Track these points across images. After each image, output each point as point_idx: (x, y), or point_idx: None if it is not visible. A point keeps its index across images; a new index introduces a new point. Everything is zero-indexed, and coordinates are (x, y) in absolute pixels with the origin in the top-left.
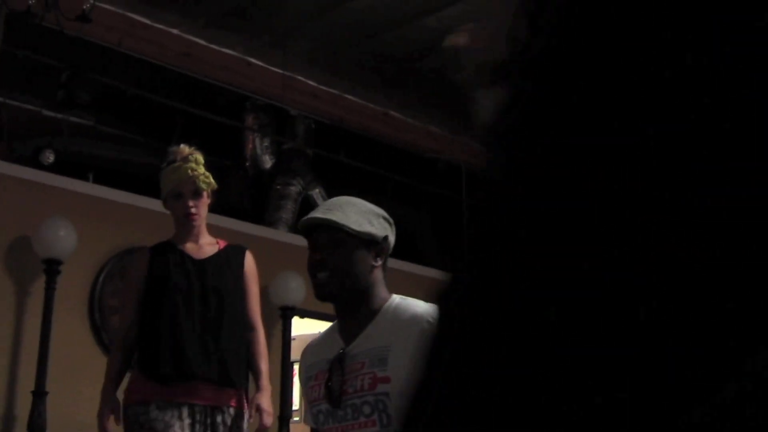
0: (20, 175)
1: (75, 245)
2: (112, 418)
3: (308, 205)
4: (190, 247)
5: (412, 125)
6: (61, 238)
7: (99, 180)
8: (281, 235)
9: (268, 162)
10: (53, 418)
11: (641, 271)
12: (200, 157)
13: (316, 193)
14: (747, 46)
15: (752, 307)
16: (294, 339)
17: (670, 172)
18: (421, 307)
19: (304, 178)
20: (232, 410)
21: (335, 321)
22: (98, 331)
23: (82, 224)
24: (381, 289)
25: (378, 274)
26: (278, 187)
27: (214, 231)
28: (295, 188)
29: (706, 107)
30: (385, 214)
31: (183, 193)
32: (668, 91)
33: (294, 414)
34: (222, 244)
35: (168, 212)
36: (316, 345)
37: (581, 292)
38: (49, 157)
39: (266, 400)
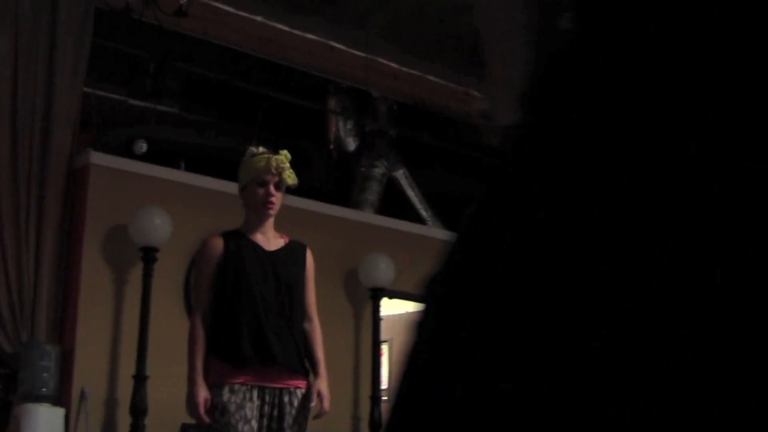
0: (114, 165)
1: (170, 232)
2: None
3: (393, 186)
4: (260, 238)
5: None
6: (157, 226)
7: (190, 167)
8: (368, 216)
9: (351, 144)
10: (154, 402)
11: (641, 270)
12: (289, 155)
13: (400, 174)
14: (746, 46)
15: (750, 307)
16: (382, 320)
17: (670, 172)
18: None
19: (388, 160)
20: (299, 392)
21: None
22: None
23: (176, 212)
24: None
25: None
26: (363, 169)
27: (301, 214)
28: (379, 170)
29: (706, 108)
30: None
31: (268, 180)
32: (667, 93)
33: (383, 393)
34: (286, 239)
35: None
36: None
37: (582, 291)
38: (142, 147)
39: (326, 386)
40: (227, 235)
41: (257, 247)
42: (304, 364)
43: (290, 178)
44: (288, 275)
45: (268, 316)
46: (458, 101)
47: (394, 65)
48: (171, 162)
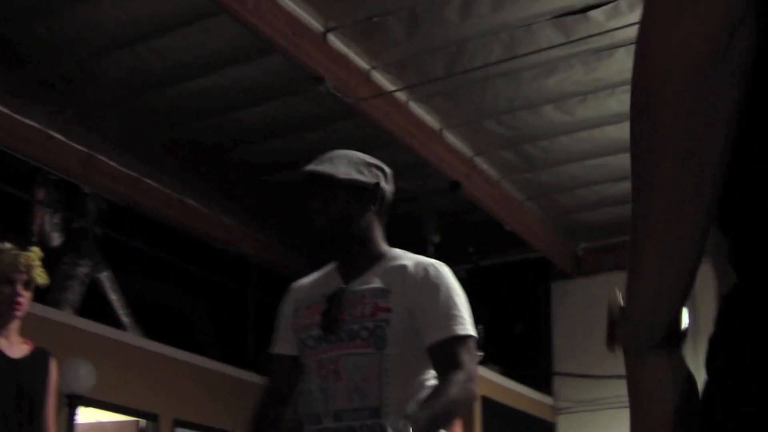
0: None
1: None
2: None
3: (96, 287)
4: (3, 343)
5: (205, 214)
6: None
7: None
8: (67, 317)
9: (56, 239)
10: None
11: None
12: (39, 252)
13: (104, 276)
14: None
15: None
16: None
17: None
18: (422, 257)
19: (92, 259)
20: None
21: (329, 265)
22: None
23: None
24: (379, 236)
25: (372, 221)
26: (66, 266)
27: None
28: (83, 269)
29: None
30: (379, 163)
31: (15, 279)
32: None
33: None
34: (30, 345)
35: None
36: (306, 283)
37: None
38: None
39: None
40: None
41: (0, 354)
42: None
43: (40, 276)
44: (30, 387)
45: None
46: (171, 207)
47: (113, 164)
48: None
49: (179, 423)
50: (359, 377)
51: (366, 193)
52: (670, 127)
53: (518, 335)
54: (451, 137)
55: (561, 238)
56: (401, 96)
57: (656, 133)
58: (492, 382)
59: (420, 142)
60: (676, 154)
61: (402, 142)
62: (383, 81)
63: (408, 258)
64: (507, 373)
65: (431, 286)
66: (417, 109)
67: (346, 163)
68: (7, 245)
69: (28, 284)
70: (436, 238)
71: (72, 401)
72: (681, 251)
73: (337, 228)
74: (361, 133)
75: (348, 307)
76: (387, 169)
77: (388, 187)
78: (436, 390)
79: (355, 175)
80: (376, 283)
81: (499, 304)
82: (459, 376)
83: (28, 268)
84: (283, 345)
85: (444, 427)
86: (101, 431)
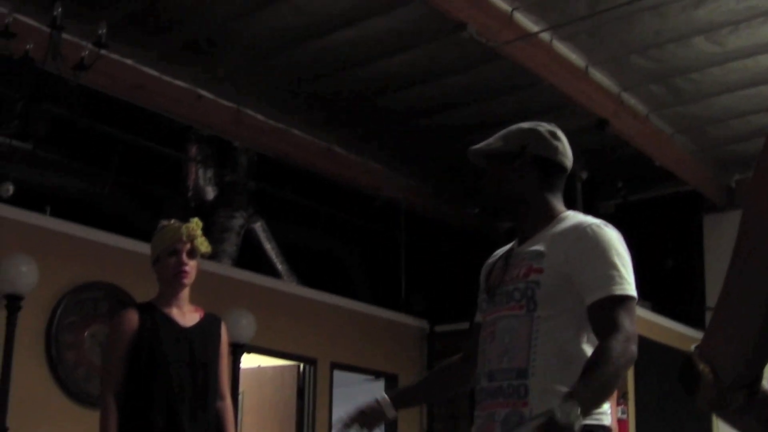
0: None
1: (36, 280)
2: None
3: (251, 238)
4: (175, 312)
5: (353, 161)
6: (24, 273)
7: (54, 212)
8: (226, 269)
9: (210, 194)
10: None
11: None
12: (200, 222)
13: (258, 226)
14: None
15: None
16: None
17: None
18: (588, 218)
19: (246, 210)
20: None
21: None
22: (55, 366)
23: (42, 259)
24: (549, 198)
25: (533, 185)
26: (221, 219)
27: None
28: (237, 221)
29: None
30: (535, 126)
31: (179, 250)
32: None
33: None
34: (201, 312)
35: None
36: (499, 250)
37: None
38: (9, 190)
39: None
40: (142, 309)
41: (173, 324)
42: None
43: (203, 245)
44: (204, 355)
45: (182, 399)
46: (320, 157)
47: (260, 118)
48: (34, 205)
49: (336, 366)
50: (508, 339)
51: (515, 160)
52: None
53: (669, 271)
54: (597, 74)
55: (712, 170)
56: (544, 36)
57: None
58: (643, 318)
59: (565, 81)
60: None
61: (547, 83)
62: (525, 22)
63: (573, 219)
64: (658, 309)
65: (589, 246)
66: (561, 48)
67: (497, 137)
68: (172, 221)
69: (192, 253)
70: (584, 175)
71: (235, 350)
72: None
73: (496, 198)
74: (505, 75)
75: (510, 270)
76: (542, 129)
77: (541, 147)
78: (594, 361)
79: (496, 146)
80: (538, 246)
81: (649, 240)
82: (615, 342)
83: (191, 238)
84: (478, 313)
85: (604, 401)
86: (263, 376)
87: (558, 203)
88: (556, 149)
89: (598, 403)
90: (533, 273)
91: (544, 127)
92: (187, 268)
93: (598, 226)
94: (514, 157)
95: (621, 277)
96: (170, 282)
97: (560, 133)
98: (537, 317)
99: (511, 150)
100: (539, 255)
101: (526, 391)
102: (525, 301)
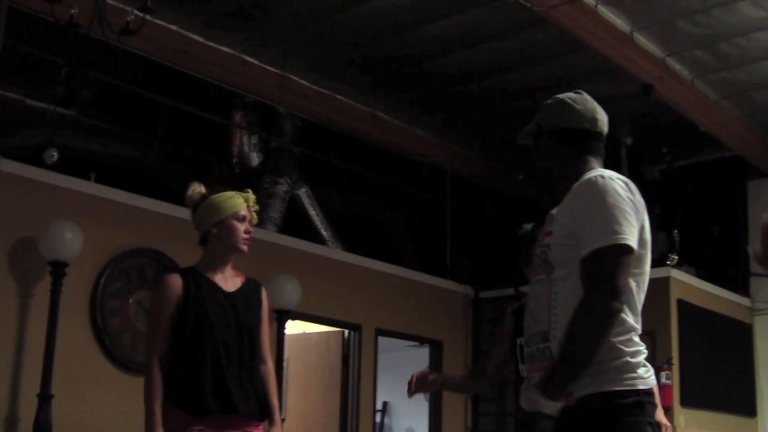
0: (24, 174)
1: (81, 247)
2: None
3: (296, 204)
4: (219, 278)
5: (398, 127)
6: (69, 240)
7: (99, 178)
8: (271, 235)
9: (255, 160)
10: (58, 421)
11: None
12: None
13: (303, 192)
14: None
15: None
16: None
17: None
18: (596, 171)
19: (291, 177)
20: None
21: None
22: (100, 333)
23: (87, 225)
24: (578, 165)
25: (561, 156)
26: (266, 185)
27: None
28: (282, 187)
29: None
30: (551, 101)
31: (246, 217)
32: None
33: None
34: (243, 277)
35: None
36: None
37: None
38: (53, 156)
39: None
40: (185, 274)
41: (217, 289)
42: (262, 411)
43: (255, 217)
44: (247, 319)
45: (229, 363)
46: (364, 122)
47: (305, 83)
48: (78, 172)
49: (381, 332)
50: (535, 304)
51: (538, 138)
52: None
53: (714, 236)
54: (642, 39)
55: (757, 136)
56: (590, 1)
57: None
58: (688, 284)
59: (610, 46)
60: None
61: (592, 47)
62: None
63: (586, 176)
64: (703, 275)
65: (586, 199)
66: (606, 13)
67: (534, 120)
68: (233, 192)
69: (252, 224)
70: (629, 141)
71: (280, 316)
72: None
73: (538, 177)
74: (550, 40)
75: (540, 238)
76: (553, 101)
77: (554, 119)
78: (567, 331)
79: (529, 127)
80: (554, 210)
81: (694, 205)
82: (582, 308)
83: (254, 208)
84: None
85: (585, 364)
86: (308, 342)
87: (590, 167)
88: (570, 116)
89: (558, 387)
90: (546, 236)
91: (561, 96)
92: (250, 235)
93: (596, 178)
94: (537, 136)
95: (602, 228)
96: (231, 246)
97: (581, 97)
98: (554, 279)
99: (533, 130)
100: (551, 218)
101: (551, 354)
102: (544, 266)
